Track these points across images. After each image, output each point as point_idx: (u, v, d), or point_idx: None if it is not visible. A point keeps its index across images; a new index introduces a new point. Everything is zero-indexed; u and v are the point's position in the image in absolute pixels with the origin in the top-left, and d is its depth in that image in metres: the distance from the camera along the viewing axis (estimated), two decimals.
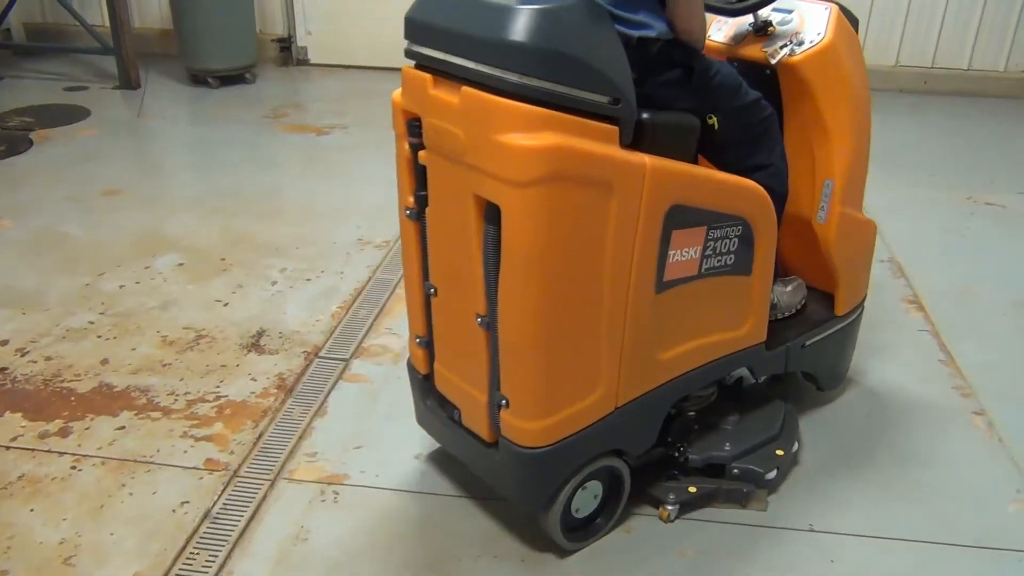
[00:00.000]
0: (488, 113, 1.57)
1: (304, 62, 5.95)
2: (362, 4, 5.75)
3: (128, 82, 5.34)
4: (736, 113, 1.93)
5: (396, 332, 2.87)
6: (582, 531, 2.01)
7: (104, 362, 2.68)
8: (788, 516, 2.11)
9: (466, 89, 1.60)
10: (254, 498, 2.14)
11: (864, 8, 5.44)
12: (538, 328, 1.69)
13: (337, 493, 2.17)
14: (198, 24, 5.26)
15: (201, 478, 2.20)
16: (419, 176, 1.87)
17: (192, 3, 5.22)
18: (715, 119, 1.88)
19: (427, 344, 2.04)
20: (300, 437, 2.36)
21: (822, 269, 2.32)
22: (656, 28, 1.75)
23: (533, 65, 1.52)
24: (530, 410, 1.78)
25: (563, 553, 1.98)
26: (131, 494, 2.14)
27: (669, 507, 2.07)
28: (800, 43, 2.06)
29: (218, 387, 2.58)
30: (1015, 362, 2.81)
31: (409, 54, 1.80)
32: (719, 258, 1.91)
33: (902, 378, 2.70)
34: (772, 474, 2.12)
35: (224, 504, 2.12)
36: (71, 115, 4.89)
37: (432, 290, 1.92)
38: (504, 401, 1.79)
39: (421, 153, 1.81)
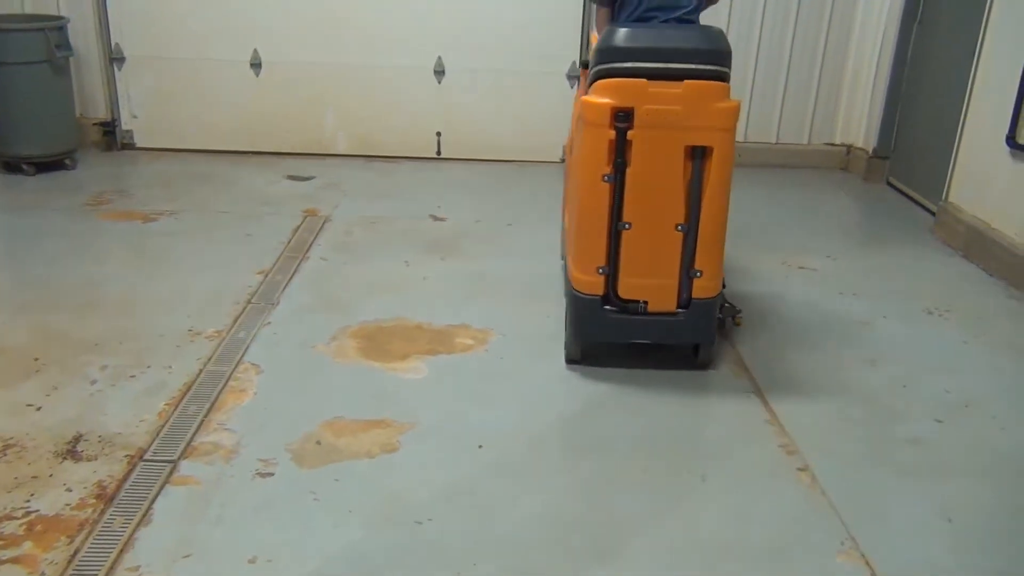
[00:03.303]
0: (706, 91, 2.80)
1: (130, 146, 5.72)
2: (190, 86, 5.63)
3: None
4: None
5: (230, 428, 2.73)
6: None
7: None
8: None
9: (688, 81, 2.78)
10: None
11: None
12: (724, 219, 2.98)
13: None
14: (10, 108, 4.98)
15: None
16: (615, 151, 2.83)
17: (3, 88, 4.94)
18: None
19: (607, 271, 2.97)
20: (121, 550, 2.19)
21: None
22: None
23: (725, 60, 2.84)
24: (715, 273, 3.03)
25: None
26: None
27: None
28: None
29: (28, 501, 2.37)
30: (834, 417, 2.98)
31: (628, 72, 2.80)
32: None
33: (730, 438, 2.82)
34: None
35: None
36: None
37: (626, 226, 2.91)
38: (699, 273, 2.98)
39: (631, 132, 2.80)
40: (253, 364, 3.13)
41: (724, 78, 2.83)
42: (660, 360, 3.24)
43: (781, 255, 4.39)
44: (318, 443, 2.68)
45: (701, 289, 3.02)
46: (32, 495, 2.39)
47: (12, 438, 2.64)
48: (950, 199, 4.68)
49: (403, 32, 5.56)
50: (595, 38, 3.19)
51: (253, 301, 3.62)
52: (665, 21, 3.15)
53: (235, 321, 3.44)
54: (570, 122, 3.69)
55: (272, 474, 2.53)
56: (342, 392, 2.99)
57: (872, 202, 5.49)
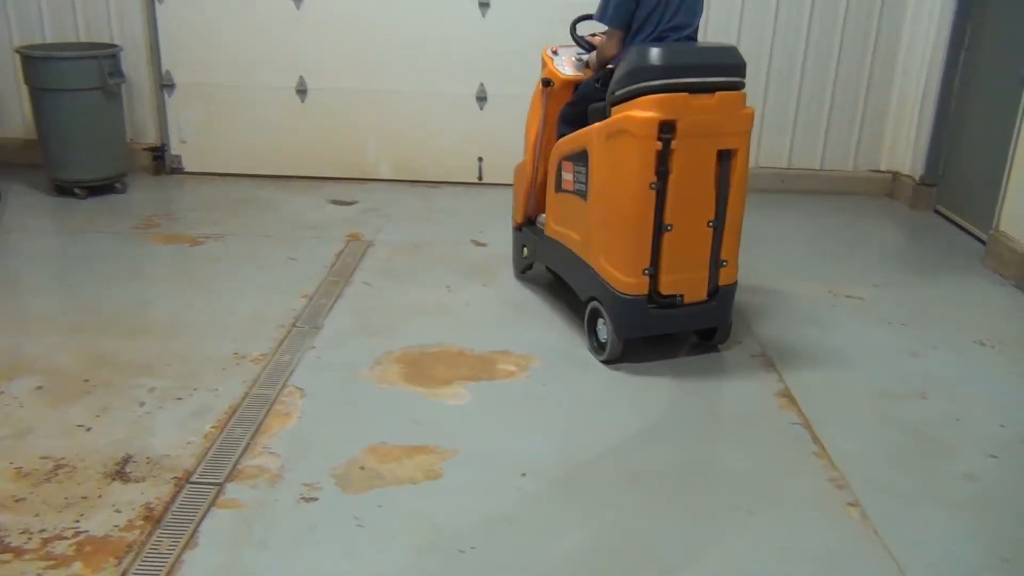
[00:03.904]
0: (734, 101, 3.20)
1: (178, 170, 5.83)
2: (237, 112, 5.73)
3: None
4: None
5: (275, 451, 2.75)
6: None
7: None
8: None
9: (720, 93, 3.14)
10: None
11: None
12: (743, 212, 3.33)
13: None
14: (64, 134, 5.10)
15: None
16: (660, 161, 3.10)
17: (57, 113, 5.07)
18: None
19: (651, 271, 3.22)
20: (168, 573, 2.21)
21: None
22: None
23: (744, 72, 3.25)
24: (735, 261, 3.39)
25: None
26: None
27: None
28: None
29: (77, 522, 2.40)
30: (884, 451, 2.92)
31: (663, 88, 3.07)
32: None
33: (778, 472, 2.77)
34: None
35: None
36: None
37: (669, 228, 3.17)
38: (725, 263, 3.32)
39: (674, 142, 3.07)
40: (297, 388, 3.15)
41: (743, 87, 3.24)
42: (690, 365, 3.21)
43: (826, 283, 4.34)
44: (362, 468, 2.68)
45: (726, 277, 3.38)
46: (81, 515, 2.42)
47: (63, 458, 2.68)
48: (1001, 227, 4.59)
49: (446, 59, 5.62)
50: (599, 47, 3.53)
51: (297, 325, 3.65)
52: (677, 40, 3.36)
53: (280, 345, 3.47)
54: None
55: (316, 499, 2.54)
56: (385, 417, 2.99)
57: (919, 230, 5.40)
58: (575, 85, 3.74)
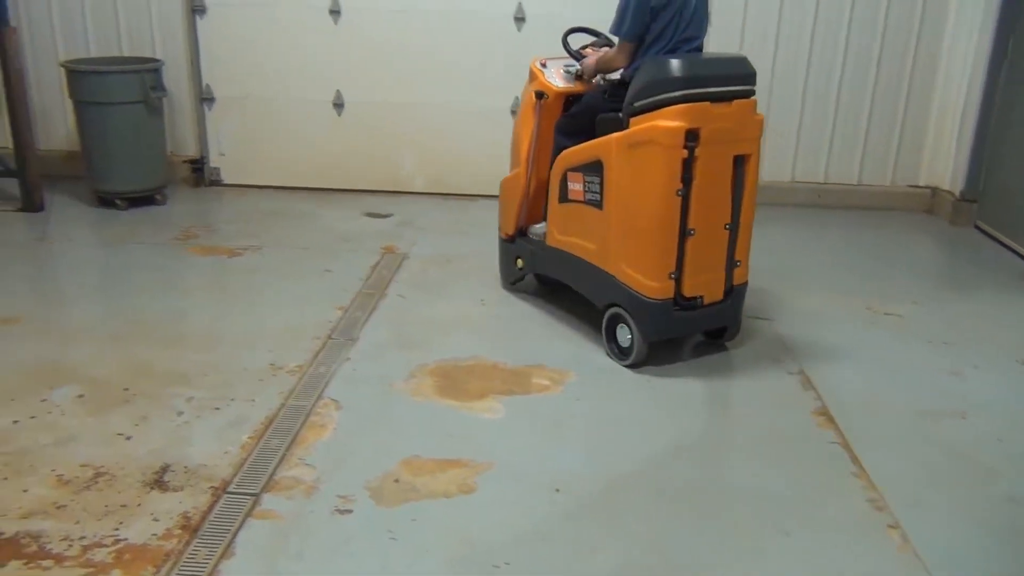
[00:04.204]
0: (748, 107, 3.35)
1: (217, 183, 5.92)
2: (274, 126, 5.81)
3: (32, 205, 5.20)
4: None
5: (310, 463, 2.77)
6: None
7: None
8: None
9: (736, 101, 3.28)
10: None
11: None
12: (753, 212, 3.49)
13: None
14: (106, 146, 5.20)
15: None
16: (685, 168, 3.20)
17: (100, 125, 5.17)
18: None
19: (675, 275, 3.32)
20: None
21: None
22: None
23: (755, 81, 3.39)
24: (747, 261, 3.55)
25: None
26: None
27: None
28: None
29: (117, 530, 2.43)
30: (925, 472, 2.87)
31: (684, 98, 3.17)
32: None
33: (816, 492, 2.73)
34: None
35: None
36: None
37: (692, 232, 3.27)
38: (739, 263, 3.49)
39: (697, 150, 3.18)
40: (333, 400, 3.17)
41: (754, 95, 3.39)
42: (726, 380, 3.18)
43: (864, 300, 4.28)
44: (396, 481, 2.69)
45: (739, 276, 3.54)
46: (121, 523, 2.46)
47: (103, 466, 2.72)
48: None
49: (481, 73, 5.65)
50: (596, 63, 3.64)
51: (333, 337, 3.68)
52: (688, 51, 3.45)
53: (315, 356, 3.50)
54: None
55: (351, 511, 2.55)
56: (420, 430, 3.00)
57: (960, 246, 5.32)
58: (566, 97, 3.83)
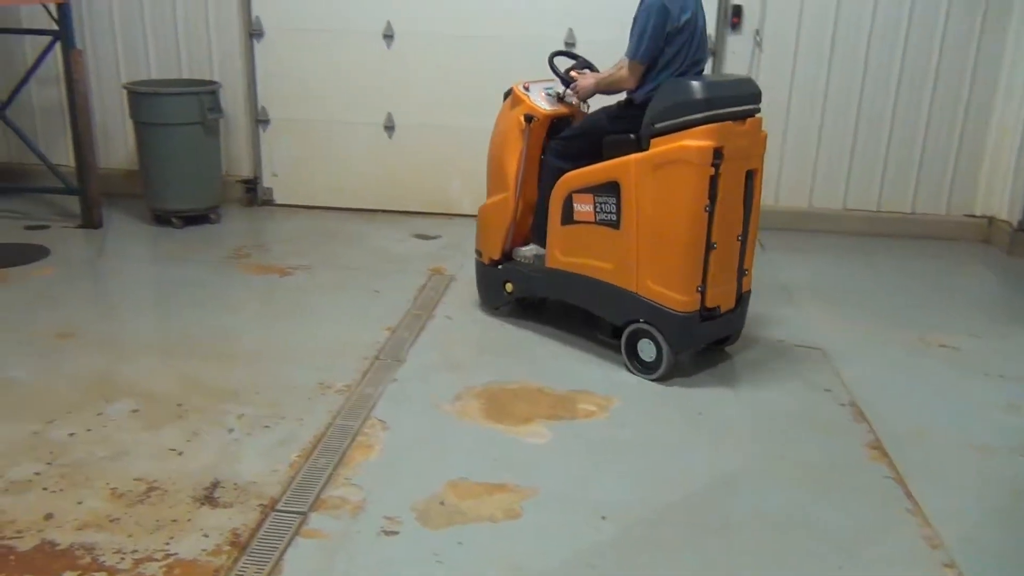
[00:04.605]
0: (758, 125, 3.54)
1: (269, 203, 6.02)
2: (325, 149, 5.90)
3: (91, 222, 5.34)
4: None
5: (357, 483, 2.79)
6: None
7: (48, 517, 2.56)
8: None
9: (749, 120, 3.46)
10: None
11: (810, 155, 5.72)
12: (759, 222, 3.69)
13: None
14: (163, 165, 5.33)
15: None
16: (711, 185, 3.33)
17: (159, 145, 5.31)
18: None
19: (701, 288, 3.43)
20: None
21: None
22: None
23: (761, 99, 3.57)
24: (751, 269, 3.74)
25: None
26: None
27: None
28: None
29: (168, 544, 2.47)
30: (981, 509, 2.80)
31: (707, 119, 3.31)
32: None
33: (868, 527, 2.68)
34: None
35: None
36: (30, 254, 4.85)
37: (714, 246, 3.40)
38: (746, 271, 3.67)
39: (721, 167, 3.31)
40: (380, 420, 3.19)
41: (760, 113, 3.57)
42: (775, 408, 3.13)
43: (918, 331, 4.20)
44: (442, 504, 2.70)
45: (746, 284, 3.73)
46: (172, 538, 2.49)
47: (156, 481, 2.76)
48: None
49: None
50: (597, 84, 3.75)
51: (380, 357, 3.71)
52: (696, 74, 3.63)
53: (363, 376, 3.53)
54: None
55: (397, 532, 2.56)
56: (466, 453, 3.01)
57: (1018, 278, 5.19)
58: (552, 120, 3.89)
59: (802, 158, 5.72)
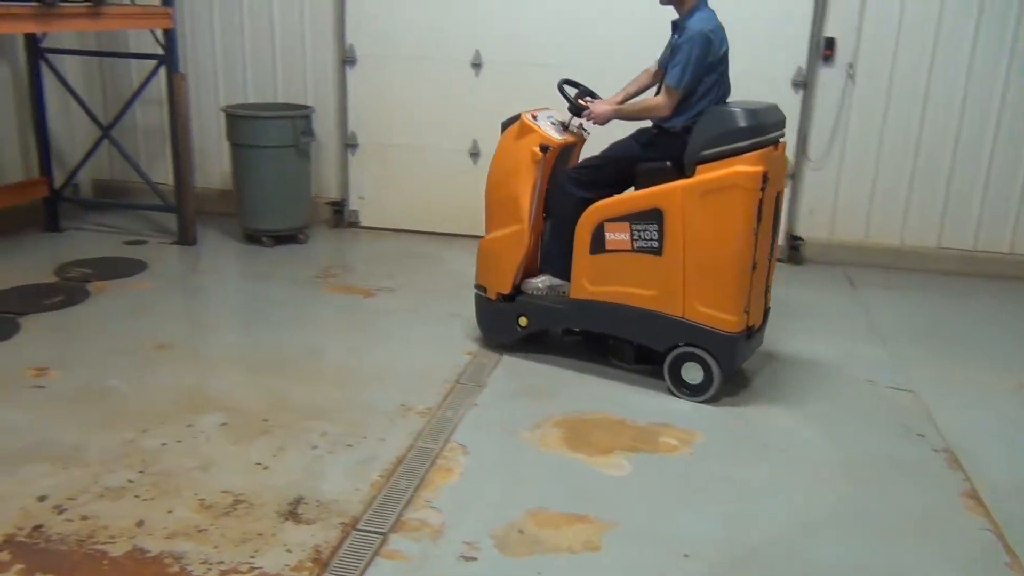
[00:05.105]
0: (784, 149, 3.71)
1: (355, 224, 6.15)
2: (412, 172, 6.00)
3: (186, 238, 5.54)
4: None
5: (437, 507, 2.80)
6: None
7: (140, 524, 2.64)
8: None
9: (780, 144, 3.63)
10: None
11: (902, 191, 5.57)
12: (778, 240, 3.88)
13: None
14: (257, 186, 5.50)
15: None
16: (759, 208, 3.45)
17: (253, 167, 5.48)
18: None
19: (747, 308, 3.52)
20: None
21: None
22: None
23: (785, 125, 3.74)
24: (771, 285, 3.93)
25: None
26: None
27: None
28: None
29: (252, 557, 2.51)
30: None
31: (754, 145, 3.41)
32: None
33: None
34: None
35: None
36: (128, 268, 5.06)
37: (755, 267, 3.51)
38: (769, 288, 3.85)
39: (767, 190, 3.44)
40: (460, 444, 3.20)
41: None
42: (866, 452, 3.02)
43: (1016, 376, 4.02)
44: (521, 532, 2.68)
45: (768, 300, 3.89)
46: (256, 552, 2.54)
47: (242, 494, 2.82)
48: None
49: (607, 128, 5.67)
50: (650, 107, 3.72)
51: (461, 381, 3.73)
52: (727, 103, 3.68)
53: (444, 399, 3.55)
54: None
55: (476, 559, 2.55)
56: (545, 481, 2.99)
57: None
58: (560, 148, 3.82)
59: (894, 194, 5.57)
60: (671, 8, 3.73)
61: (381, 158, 6.04)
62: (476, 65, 5.76)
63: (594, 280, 3.74)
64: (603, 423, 3.41)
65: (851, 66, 5.40)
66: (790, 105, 5.47)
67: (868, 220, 5.62)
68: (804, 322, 4.65)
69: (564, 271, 3.84)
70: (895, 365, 4.11)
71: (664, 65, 3.86)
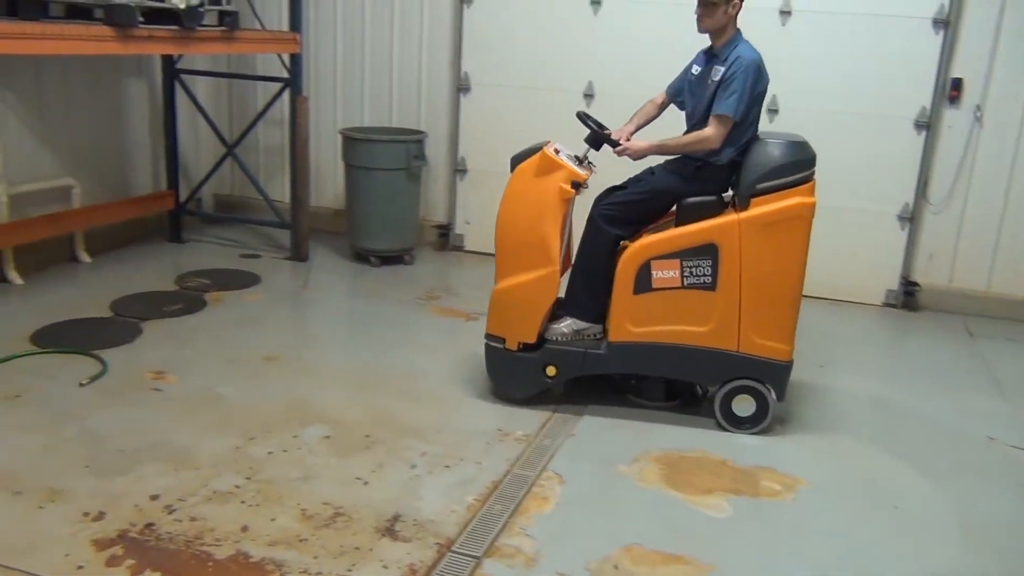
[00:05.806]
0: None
1: (459, 248, 6.24)
2: None
3: (298, 254, 5.73)
4: None
5: (531, 534, 2.78)
6: None
7: (244, 529, 2.72)
8: None
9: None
10: None
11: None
12: None
13: None
14: (368, 207, 5.65)
15: None
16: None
17: (365, 189, 5.63)
18: None
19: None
20: None
21: None
22: None
23: None
24: None
25: None
26: None
27: None
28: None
29: (350, 570, 2.55)
30: None
31: (806, 178, 3.48)
32: None
33: None
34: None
35: None
36: (243, 280, 5.26)
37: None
38: None
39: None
40: (556, 473, 3.19)
41: None
42: (979, 503, 2.85)
43: None
44: (615, 568, 2.64)
45: None
46: (354, 565, 2.58)
47: (342, 507, 2.88)
48: None
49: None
50: (699, 140, 3.57)
51: (559, 411, 3.72)
52: (766, 136, 3.63)
53: (542, 427, 3.55)
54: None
55: None
56: (642, 518, 2.94)
57: None
58: (575, 184, 3.57)
59: (1020, 243, 5.30)
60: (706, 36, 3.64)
61: (489, 184, 6.10)
62: (588, 96, 5.79)
63: (638, 321, 3.60)
64: (703, 463, 3.34)
65: (979, 108, 5.19)
66: (911, 146, 5.31)
67: (991, 269, 5.36)
68: (918, 371, 4.46)
69: (592, 314, 3.70)
70: (1018, 423, 3.88)
71: (673, 94, 3.82)
